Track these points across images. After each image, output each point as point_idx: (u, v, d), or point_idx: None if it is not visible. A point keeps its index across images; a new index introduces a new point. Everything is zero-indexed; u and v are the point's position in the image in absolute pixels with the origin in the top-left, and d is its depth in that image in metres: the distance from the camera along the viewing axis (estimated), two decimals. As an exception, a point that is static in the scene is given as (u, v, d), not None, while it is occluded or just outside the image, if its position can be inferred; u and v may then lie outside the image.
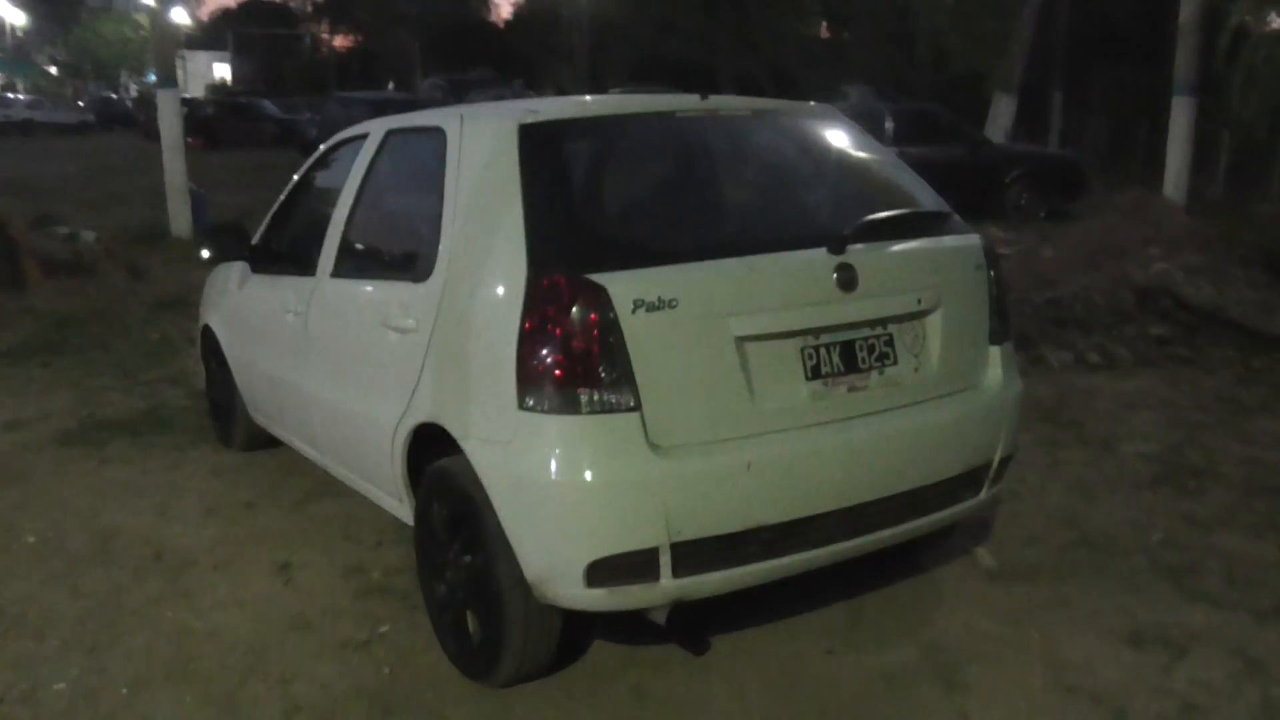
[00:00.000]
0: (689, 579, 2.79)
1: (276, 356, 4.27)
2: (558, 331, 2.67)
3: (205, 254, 4.53)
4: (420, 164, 3.40)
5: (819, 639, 3.38)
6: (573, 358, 2.66)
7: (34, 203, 13.20)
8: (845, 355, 2.96)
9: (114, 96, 44.01)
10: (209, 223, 10.14)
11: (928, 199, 3.39)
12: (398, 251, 3.45)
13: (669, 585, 2.77)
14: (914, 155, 12.92)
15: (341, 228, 3.78)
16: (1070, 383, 6.42)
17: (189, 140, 29.36)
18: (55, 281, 8.71)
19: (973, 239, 3.34)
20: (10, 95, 42.14)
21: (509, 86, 30.86)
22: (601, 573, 2.72)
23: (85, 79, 52.24)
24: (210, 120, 30.07)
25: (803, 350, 2.90)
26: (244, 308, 4.64)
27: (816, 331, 2.92)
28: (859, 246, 2.99)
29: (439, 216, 3.15)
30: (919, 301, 3.08)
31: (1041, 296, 7.86)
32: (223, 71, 57.58)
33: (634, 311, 2.68)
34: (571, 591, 2.76)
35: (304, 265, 3.96)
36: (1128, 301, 7.76)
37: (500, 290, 2.81)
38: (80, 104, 43.75)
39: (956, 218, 3.40)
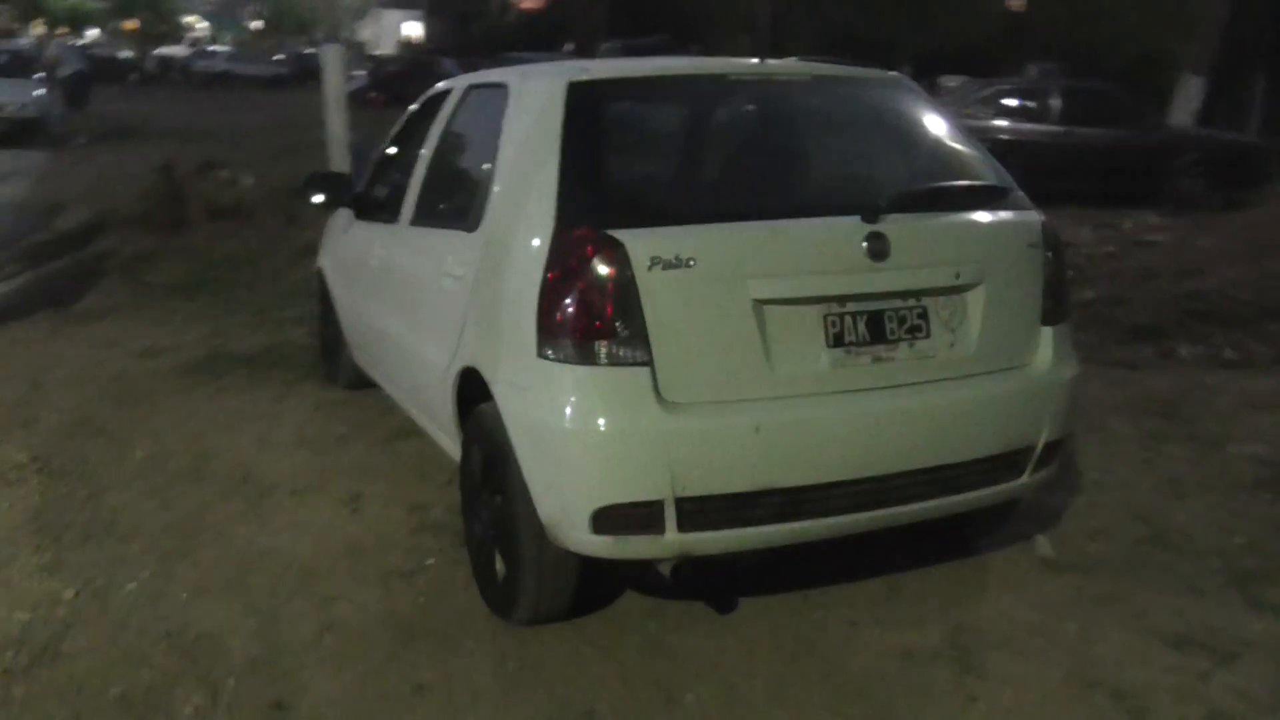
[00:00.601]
0: (695, 535, 2.84)
1: (367, 300, 4.49)
2: (576, 284, 2.74)
3: (313, 199, 4.77)
4: (486, 119, 3.51)
5: (847, 610, 3.37)
6: (588, 310, 2.73)
7: (213, 149, 14.06)
8: (872, 325, 2.93)
9: (309, 52, 45.95)
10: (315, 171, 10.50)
11: (986, 174, 3.30)
12: (459, 202, 3.58)
13: (674, 539, 2.83)
14: (1081, 136, 12.50)
15: (421, 178, 3.95)
16: (1197, 378, 6.10)
17: (371, 95, 30.60)
18: (216, 224, 9.28)
19: (1029, 216, 3.24)
20: (210, 49, 44.67)
21: (688, 51, 30.91)
22: (607, 521, 2.80)
23: (284, 35, 54.87)
24: (392, 77, 31.03)
25: (826, 317, 2.88)
26: (346, 252, 4.89)
27: (842, 299, 2.90)
28: (896, 217, 2.95)
29: (493, 169, 3.26)
30: (957, 275, 3.01)
31: (1182, 287, 7.47)
32: (413, 30, 59.47)
33: (650, 268, 2.72)
34: (579, 537, 2.85)
35: (392, 213, 4.14)
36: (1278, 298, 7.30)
37: (530, 242, 2.90)
38: (277, 59, 45.94)
39: (1017, 194, 3.30)
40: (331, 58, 12.01)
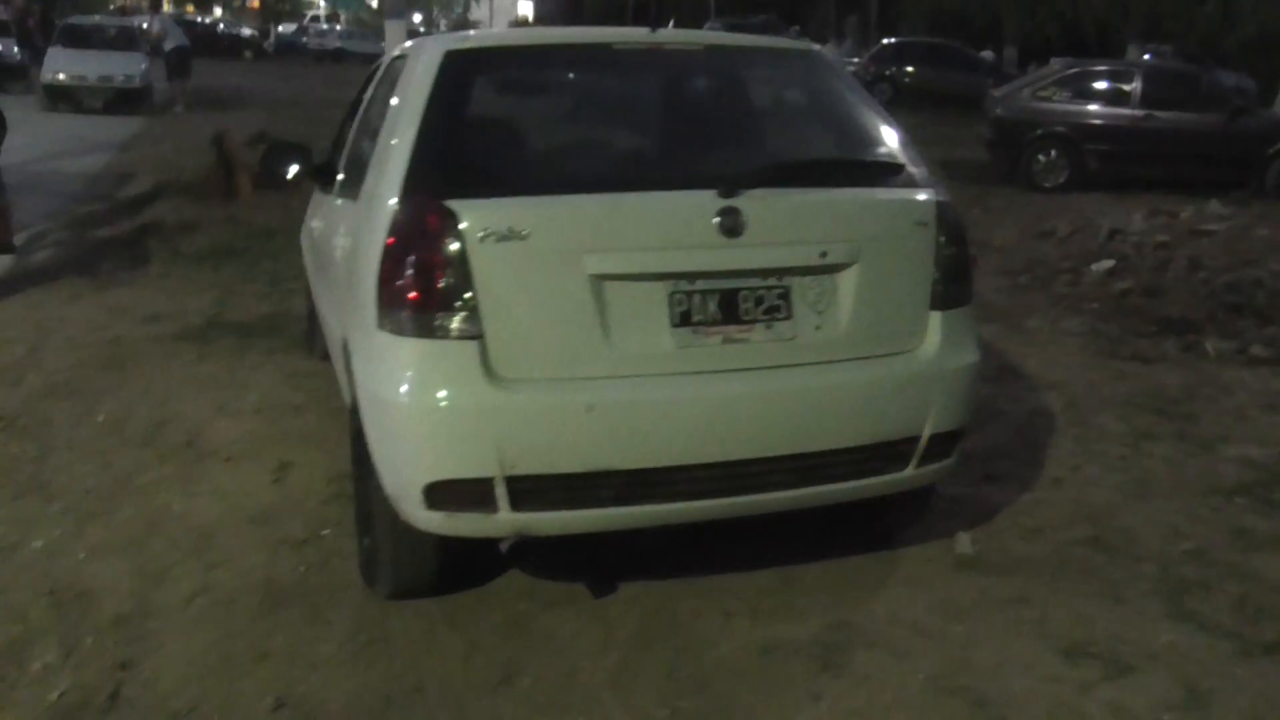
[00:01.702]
0: (530, 515, 2.79)
1: (314, 273, 4.52)
2: (408, 254, 2.70)
3: (287, 172, 4.80)
4: (388, 89, 3.49)
5: (729, 600, 3.27)
6: (420, 281, 2.69)
7: (293, 120, 14.41)
8: (725, 304, 2.82)
9: (420, 30, 46.81)
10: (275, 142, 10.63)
11: (877, 150, 3.13)
12: (356, 173, 3.57)
13: (507, 518, 2.77)
14: (1161, 121, 11.89)
15: (346, 150, 3.95)
16: (1214, 374, 5.76)
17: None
18: (262, 194, 9.48)
19: (918, 194, 3.06)
20: (323, 26, 45.80)
21: (784, 31, 30.49)
22: (439, 496, 2.76)
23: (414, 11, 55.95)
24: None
25: (672, 295, 2.78)
26: (308, 224, 4.93)
27: (691, 276, 2.79)
28: (757, 192, 2.82)
29: (378, 139, 3.23)
30: (823, 255, 2.87)
31: (1226, 279, 7.05)
32: (525, 8, 59.97)
33: (483, 240, 2.67)
34: (415, 512, 2.82)
35: (327, 185, 4.16)
36: (1327, 293, 6.83)
37: (379, 210, 2.87)
38: (391, 37, 46.88)
39: (913, 171, 3.13)
40: (393, 33, 12.20)
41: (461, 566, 3.26)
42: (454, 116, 2.94)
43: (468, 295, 2.67)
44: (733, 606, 3.25)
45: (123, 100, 18.14)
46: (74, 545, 3.54)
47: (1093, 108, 12.61)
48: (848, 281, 2.92)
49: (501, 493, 2.73)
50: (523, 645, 3.02)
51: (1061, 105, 12.66)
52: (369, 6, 59.01)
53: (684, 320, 2.79)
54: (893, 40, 26.00)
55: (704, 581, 3.38)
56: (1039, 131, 12.47)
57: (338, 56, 40.65)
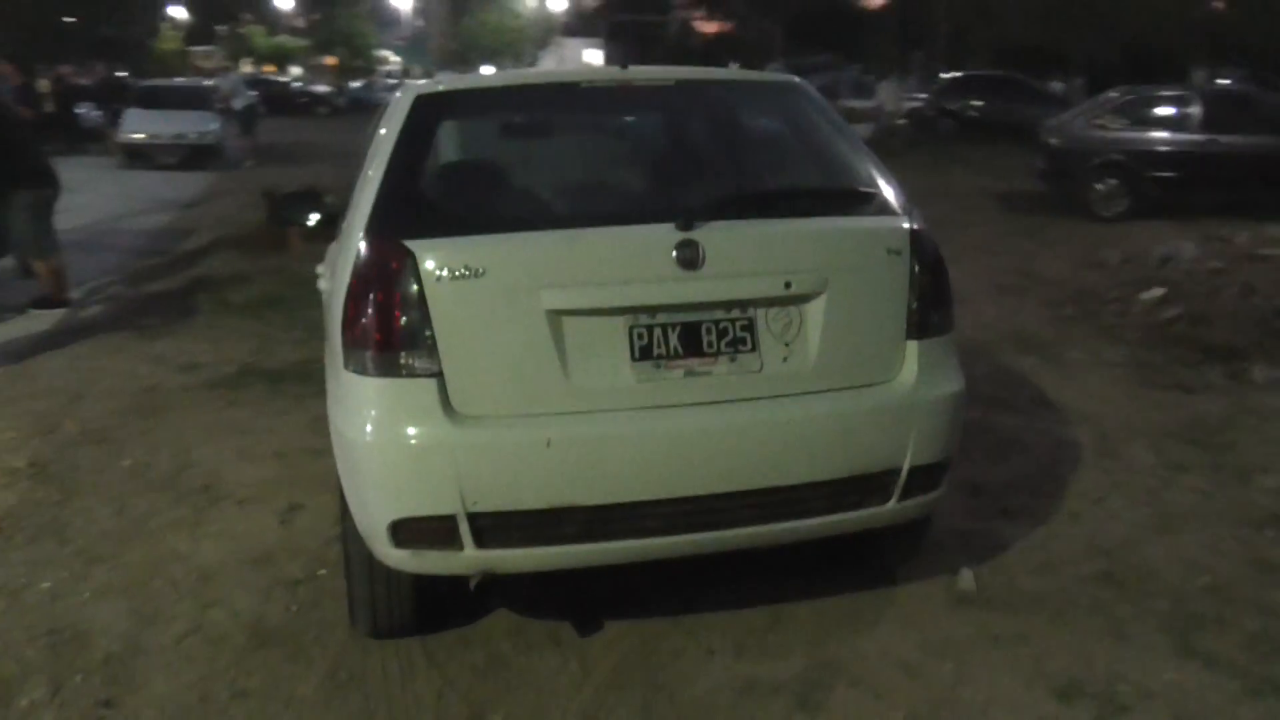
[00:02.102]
0: (495, 552, 2.78)
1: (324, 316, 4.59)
2: (368, 294, 2.73)
3: (307, 220, 4.90)
4: (374, 133, 3.55)
5: (713, 638, 3.22)
6: (379, 321, 2.72)
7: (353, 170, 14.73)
8: (686, 337, 2.79)
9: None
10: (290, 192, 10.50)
11: (847, 179, 3.09)
12: (343, 216, 3.63)
13: (473, 555, 2.77)
14: (1224, 145, 11.57)
15: (348, 194, 4.02)
16: (1259, 402, 5.55)
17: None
18: (311, 245, 9.68)
19: (890, 222, 3.01)
20: (389, 80, 46.99)
21: (843, 71, 30.46)
22: (404, 534, 2.76)
23: (469, 64, 57.18)
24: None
25: (632, 329, 2.76)
26: (322, 270, 5.02)
27: (652, 310, 2.77)
28: (717, 224, 2.81)
29: (357, 182, 3.29)
30: (787, 285, 2.83)
31: (1276, 303, 6.81)
32: (594, 57, 60.85)
33: (439, 279, 2.69)
34: (383, 549, 2.82)
35: (332, 230, 4.24)
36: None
37: (348, 252, 2.91)
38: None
39: (888, 200, 3.08)
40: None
41: (446, 605, 3.26)
42: (418, 159, 2.99)
43: (426, 334, 2.69)
44: (717, 644, 3.19)
45: (196, 157, 18.78)
46: (79, 587, 3.61)
47: (1152, 134, 12.33)
48: (816, 312, 2.88)
49: (465, 530, 2.73)
50: (498, 685, 3.00)
51: (1118, 133, 12.40)
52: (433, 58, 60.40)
53: (644, 354, 2.77)
54: (957, 74, 25.79)
55: (692, 619, 3.33)
56: (1096, 160, 12.23)
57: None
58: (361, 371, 2.75)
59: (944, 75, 25.82)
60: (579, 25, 61.54)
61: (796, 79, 3.43)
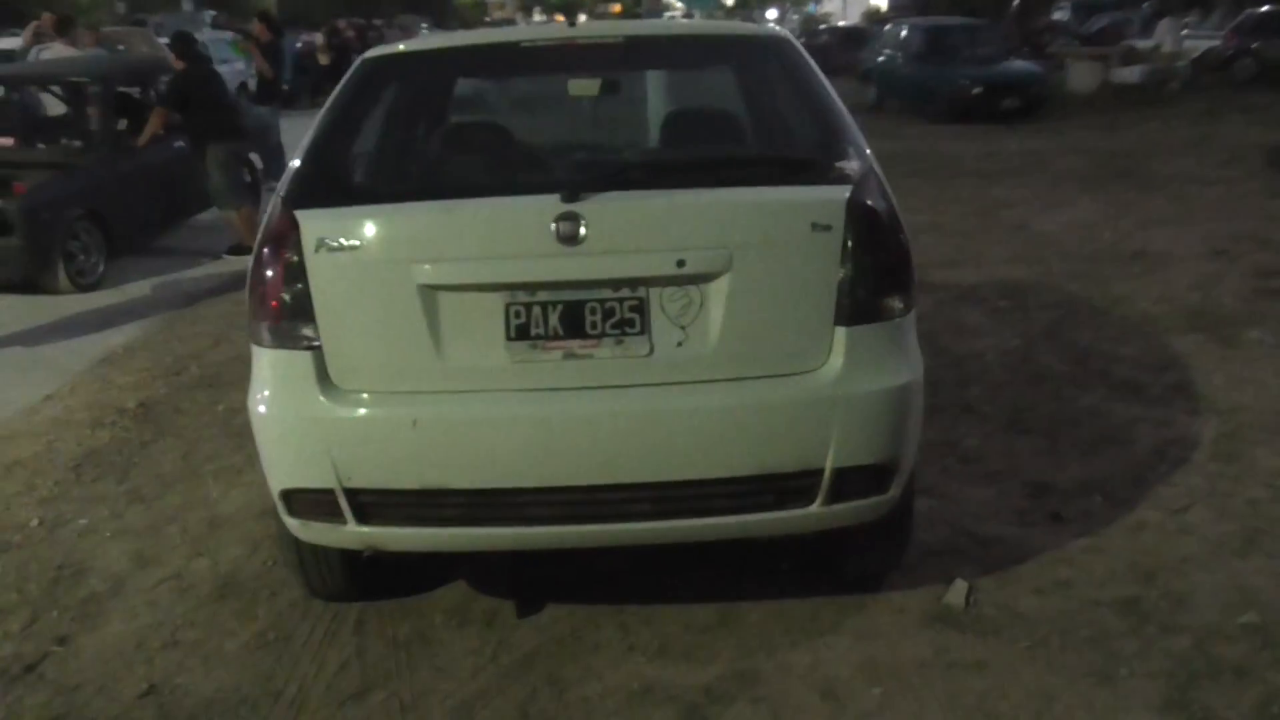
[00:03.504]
0: (376, 529, 2.74)
1: None
2: (262, 264, 2.73)
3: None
4: None
5: (646, 633, 3.06)
6: (269, 292, 2.71)
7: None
8: (568, 317, 2.60)
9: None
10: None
11: (790, 145, 2.77)
12: None
13: (355, 530, 2.74)
14: None
15: None
16: None
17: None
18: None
19: (817, 193, 2.67)
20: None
21: (1138, 7, 27.77)
22: (295, 505, 2.78)
23: (751, 11, 56.67)
24: (825, 48, 30.87)
25: (509, 307, 2.61)
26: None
27: (531, 288, 2.60)
28: (606, 195, 2.59)
29: None
30: (680, 264, 2.57)
31: None
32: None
33: (318, 250, 2.64)
34: (284, 518, 2.84)
35: None
36: None
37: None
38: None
39: (828, 166, 2.74)
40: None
41: (403, 572, 3.27)
42: (343, 125, 2.94)
43: (306, 306, 2.66)
44: (644, 640, 3.03)
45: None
46: (107, 526, 3.88)
47: None
48: (718, 293, 2.61)
49: (345, 505, 2.70)
50: (404, 659, 2.98)
51: None
52: (723, 5, 60.21)
53: (521, 334, 2.61)
54: (1262, 9, 22.90)
55: (640, 610, 3.18)
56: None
57: (682, 57, 41.90)
58: (258, 342, 2.77)
59: (1250, 12, 22.94)
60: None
61: (777, 33, 3.11)
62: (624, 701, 2.76)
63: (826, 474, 2.67)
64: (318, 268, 2.64)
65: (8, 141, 7.66)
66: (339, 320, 2.66)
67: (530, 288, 2.61)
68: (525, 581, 3.32)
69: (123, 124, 8.08)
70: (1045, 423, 4.54)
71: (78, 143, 7.76)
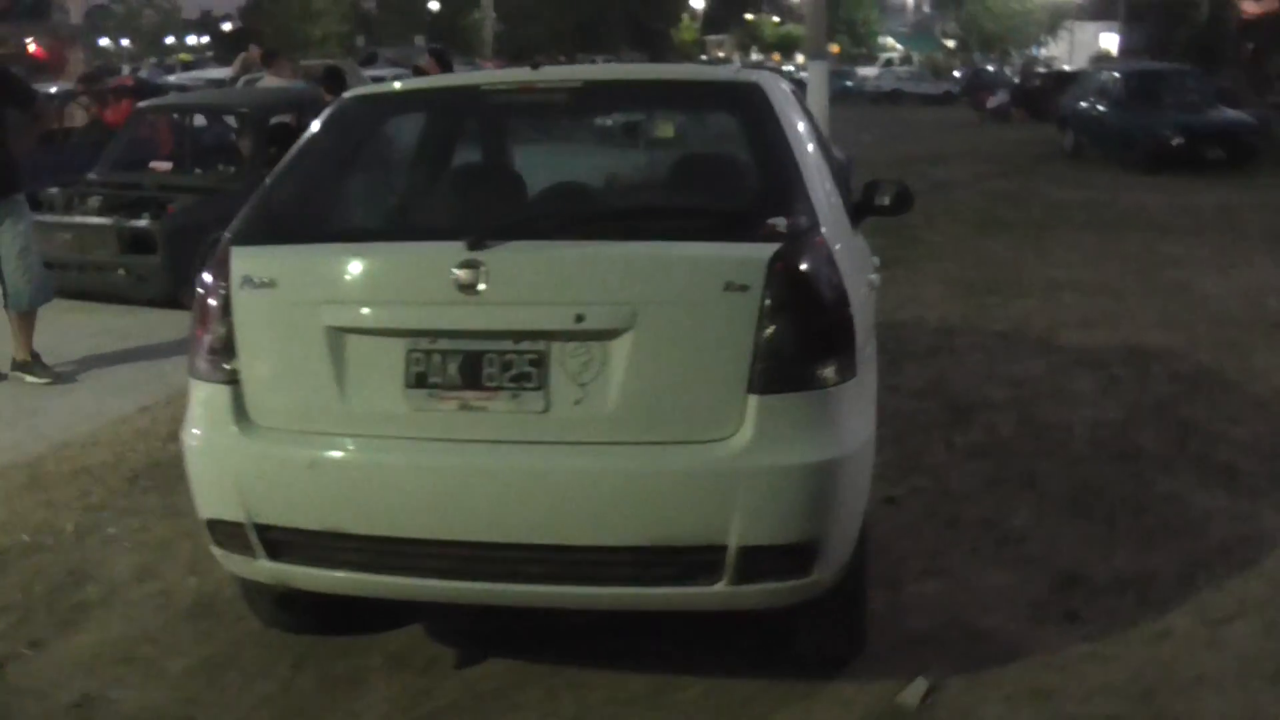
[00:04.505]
0: (285, 566, 2.75)
1: None
2: (199, 297, 2.80)
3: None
4: None
5: (567, 698, 2.94)
6: (199, 324, 2.78)
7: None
8: (466, 367, 2.54)
9: (988, 69, 45.70)
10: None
11: (722, 199, 2.63)
12: None
13: (266, 566, 2.76)
14: None
15: None
16: None
17: (1012, 111, 29.44)
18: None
19: (736, 250, 2.50)
20: (877, 70, 46.47)
21: None
22: (216, 535, 2.83)
23: (970, 52, 55.06)
24: (1034, 92, 29.71)
25: (410, 353, 2.57)
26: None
27: (433, 335, 2.56)
28: (511, 244, 2.52)
29: None
30: (578, 319, 2.46)
31: None
32: (1109, 42, 56.02)
33: (242, 287, 2.69)
34: (211, 548, 2.89)
35: None
36: None
37: None
38: (957, 74, 46.47)
39: (761, 222, 2.57)
40: (815, 74, 12.21)
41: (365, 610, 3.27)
42: (302, 164, 3.00)
43: (230, 340, 2.71)
44: (563, 708, 2.91)
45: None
46: (133, 537, 4.04)
47: None
48: (620, 352, 2.48)
49: (255, 540, 2.72)
50: (325, 700, 2.97)
51: None
52: (945, 48, 58.94)
53: (419, 381, 2.57)
54: None
55: (577, 674, 3.05)
56: None
57: (894, 98, 41.29)
58: (190, 371, 2.84)
59: None
60: (1095, 7, 56.88)
61: (747, 79, 2.95)
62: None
63: (731, 551, 2.50)
64: (240, 303, 2.69)
65: (165, 166, 8.25)
66: (257, 356, 2.70)
67: (432, 335, 2.57)
68: (482, 630, 3.25)
69: (274, 151, 8.56)
70: (1109, 507, 4.12)
71: (231, 168, 8.27)
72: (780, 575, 2.56)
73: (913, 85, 43.22)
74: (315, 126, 3.03)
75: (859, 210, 4.28)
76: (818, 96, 12.09)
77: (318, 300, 2.63)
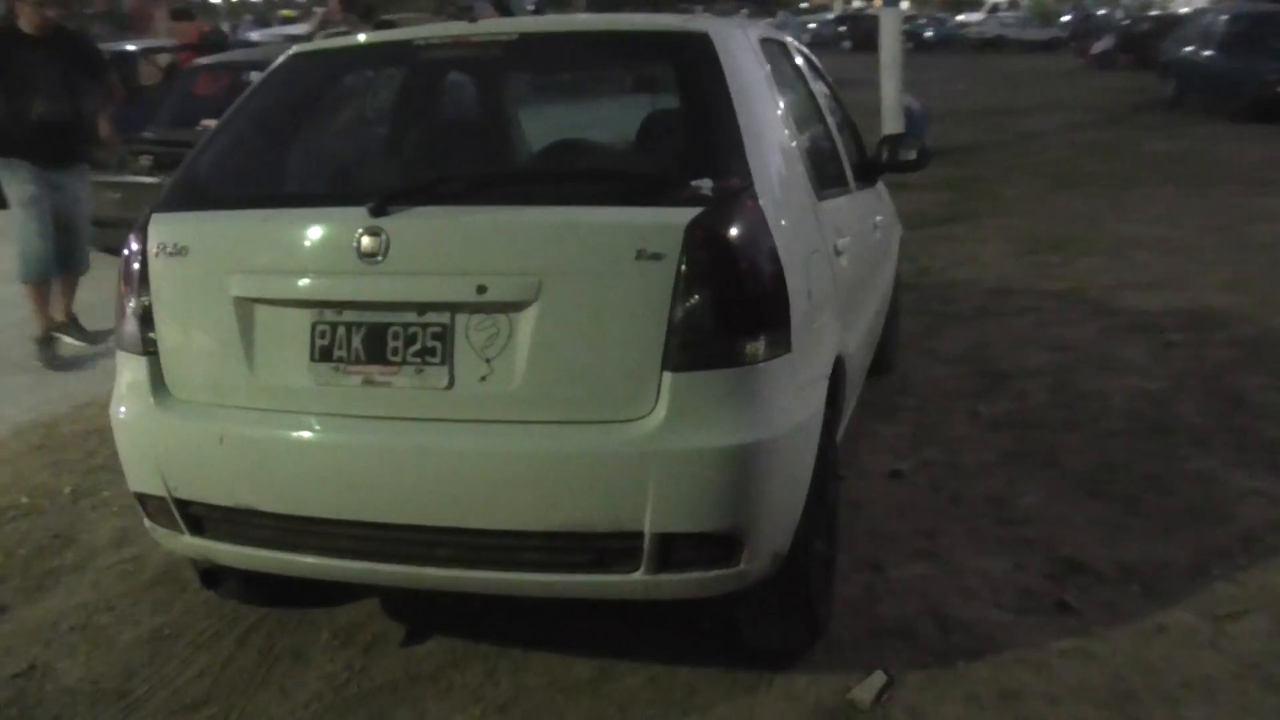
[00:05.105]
0: (206, 541, 2.69)
1: None
2: (122, 267, 2.73)
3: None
4: None
5: (506, 682, 2.83)
6: (122, 294, 2.71)
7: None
8: (370, 341, 2.41)
9: (1098, 13, 43.67)
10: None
11: (644, 161, 2.43)
12: None
13: (189, 541, 2.71)
14: None
15: None
16: None
17: (1118, 57, 28.12)
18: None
19: (650, 215, 2.31)
20: (977, 15, 44.66)
21: None
22: (145, 507, 2.78)
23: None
24: (1142, 37, 28.22)
25: (315, 325, 2.45)
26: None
27: (338, 306, 2.43)
28: (413, 210, 2.38)
29: None
30: (481, 289, 2.31)
31: None
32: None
33: (158, 255, 2.61)
34: (144, 520, 2.84)
35: None
36: None
37: None
38: (1064, 19, 44.51)
39: (682, 185, 2.37)
40: (888, 20, 11.77)
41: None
42: (231, 125, 2.89)
43: (146, 310, 2.63)
44: (498, 692, 2.80)
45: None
46: (122, 500, 4.02)
47: None
48: (526, 325, 2.32)
49: (176, 514, 2.66)
50: (262, 675, 2.91)
51: None
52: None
53: (324, 355, 2.45)
54: None
55: (521, 656, 2.94)
56: None
57: (997, 45, 39.79)
58: (117, 343, 2.77)
59: None
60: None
61: (700, 29, 2.72)
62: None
63: (647, 539, 2.34)
64: (156, 272, 2.61)
65: (212, 123, 8.26)
66: (173, 327, 2.62)
67: (337, 306, 2.45)
68: (436, 606, 3.16)
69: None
70: (1130, 487, 3.84)
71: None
72: (702, 565, 2.39)
73: (1017, 31, 41.52)
74: (260, 83, 2.92)
75: (872, 167, 4.05)
76: (890, 43, 11.63)
77: (226, 270, 2.53)
